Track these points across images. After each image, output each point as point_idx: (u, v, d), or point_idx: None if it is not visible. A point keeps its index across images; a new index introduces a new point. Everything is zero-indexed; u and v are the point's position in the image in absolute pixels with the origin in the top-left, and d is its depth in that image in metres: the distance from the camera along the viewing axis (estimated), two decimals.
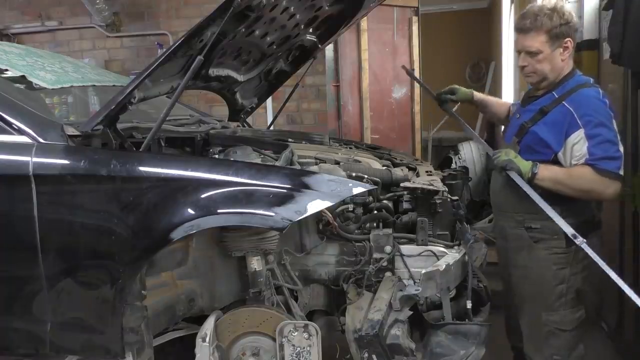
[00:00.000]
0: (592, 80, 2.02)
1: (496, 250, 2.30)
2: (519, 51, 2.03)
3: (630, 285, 2.59)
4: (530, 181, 1.91)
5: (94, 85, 2.59)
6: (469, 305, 1.87)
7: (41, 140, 1.66)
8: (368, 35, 4.11)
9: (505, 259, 2.19)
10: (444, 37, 6.88)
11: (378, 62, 4.21)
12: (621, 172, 1.87)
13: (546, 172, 1.91)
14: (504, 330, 2.35)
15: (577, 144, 1.87)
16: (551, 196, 1.91)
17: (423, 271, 1.78)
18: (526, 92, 2.23)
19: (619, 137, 1.88)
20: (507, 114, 2.38)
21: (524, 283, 2.09)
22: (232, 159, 2.07)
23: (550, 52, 1.95)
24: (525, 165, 1.92)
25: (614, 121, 1.89)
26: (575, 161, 1.89)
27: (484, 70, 7.01)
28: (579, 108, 1.89)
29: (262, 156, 2.17)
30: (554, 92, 2.00)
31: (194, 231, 1.56)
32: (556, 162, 1.95)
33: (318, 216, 1.85)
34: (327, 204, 1.57)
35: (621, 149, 1.88)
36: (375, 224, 1.93)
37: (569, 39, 1.95)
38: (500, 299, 2.26)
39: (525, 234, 2.04)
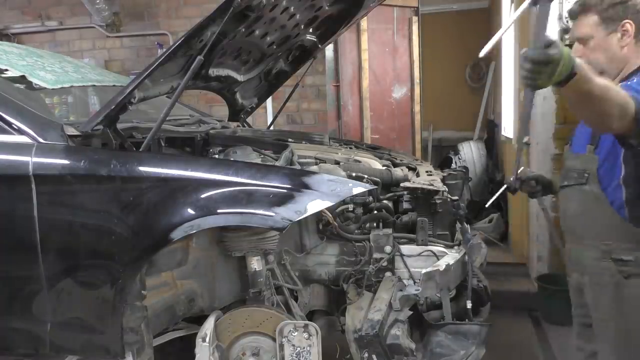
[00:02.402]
0: None
1: (569, 286, 1.93)
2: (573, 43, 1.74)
3: None
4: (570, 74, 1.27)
5: (94, 85, 2.59)
6: (469, 305, 1.87)
7: (41, 140, 1.66)
8: (368, 35, 4.10)
9: (580, 298, 1.85)
10: (444, 37, 6.87)
11: (378, 62, 4.20)
12: None
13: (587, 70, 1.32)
14: (505, 330, 2.33)
15: None
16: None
17: (423, 271, 1.78)
18: None
19: None
20: None
21: (610, 328, 1.72)
22: (232, 159, 2.07)
23: (603, 37, 1.65)
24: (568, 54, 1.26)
25: None
26: None
27: (484, 71, 6.99)
28: None
29: (262, 156, 2.17)
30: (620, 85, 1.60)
31: (194, 231, 1.56)
32: None
33: (318, 216, 1.85)
34: (327, 204, 1.57)
35: None
36: (375, 224, 1.93)
37: (627, 21, 1.62)
38: (500, 299, 2.25)
39: (614, 268, 1.67)
